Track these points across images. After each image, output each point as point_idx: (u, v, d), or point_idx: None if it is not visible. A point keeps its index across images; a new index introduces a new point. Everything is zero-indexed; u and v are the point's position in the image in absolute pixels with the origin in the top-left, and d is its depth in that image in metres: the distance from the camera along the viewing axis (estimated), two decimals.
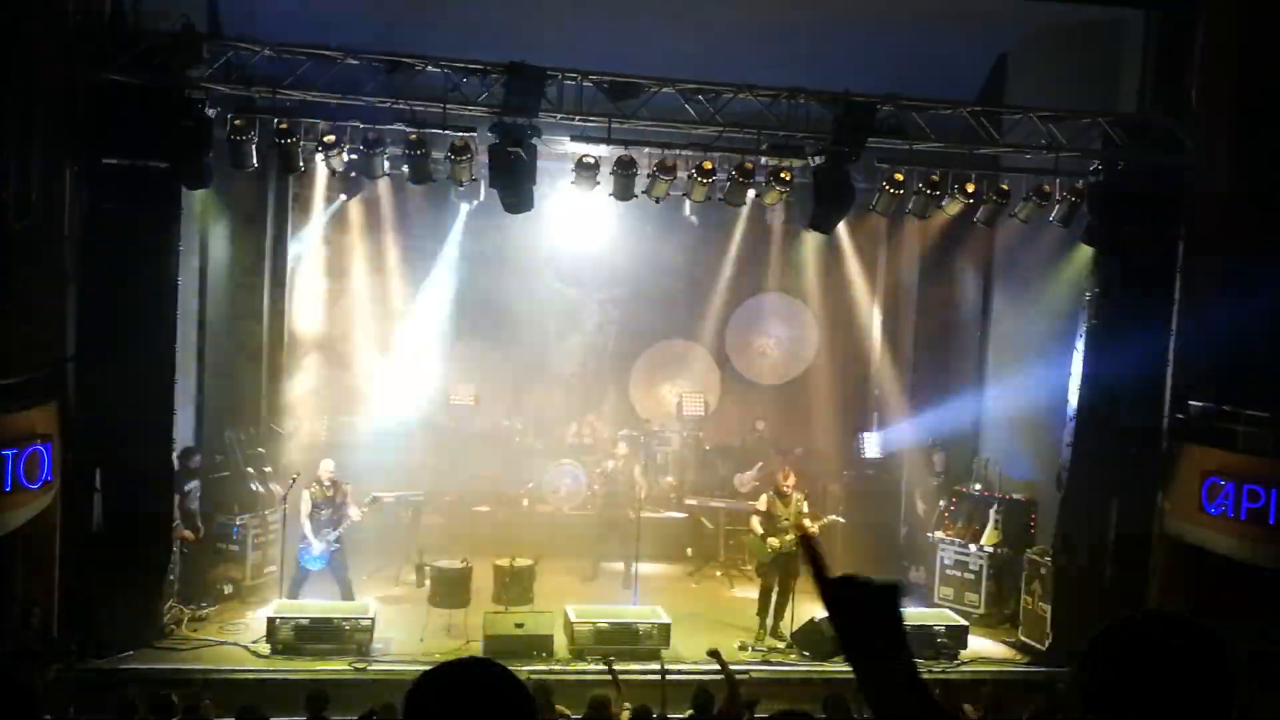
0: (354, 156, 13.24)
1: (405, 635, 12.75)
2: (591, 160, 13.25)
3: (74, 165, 11.76)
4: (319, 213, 16.53)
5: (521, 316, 17.73)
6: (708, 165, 13.33)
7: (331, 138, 12.82)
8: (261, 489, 14.57)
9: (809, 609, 13.49)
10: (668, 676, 10.41)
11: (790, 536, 13.31)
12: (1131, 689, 1.89)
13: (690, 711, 9.51)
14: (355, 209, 16.67)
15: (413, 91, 12.40)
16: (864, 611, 2.06)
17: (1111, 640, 1.96)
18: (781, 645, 13.20)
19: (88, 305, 11.99)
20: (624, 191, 13.48)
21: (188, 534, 13.41)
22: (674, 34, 13.77)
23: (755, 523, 13.62)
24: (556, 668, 12.01)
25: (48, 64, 11.52)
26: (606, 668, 10.63)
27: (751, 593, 14.06)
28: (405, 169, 13.37)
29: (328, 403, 16.84)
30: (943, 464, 16.34)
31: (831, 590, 2.07)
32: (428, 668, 2.19)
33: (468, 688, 2.14)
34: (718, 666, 9.85)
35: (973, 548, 14.79)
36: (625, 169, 13.17)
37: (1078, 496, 13.65)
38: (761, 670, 12.31)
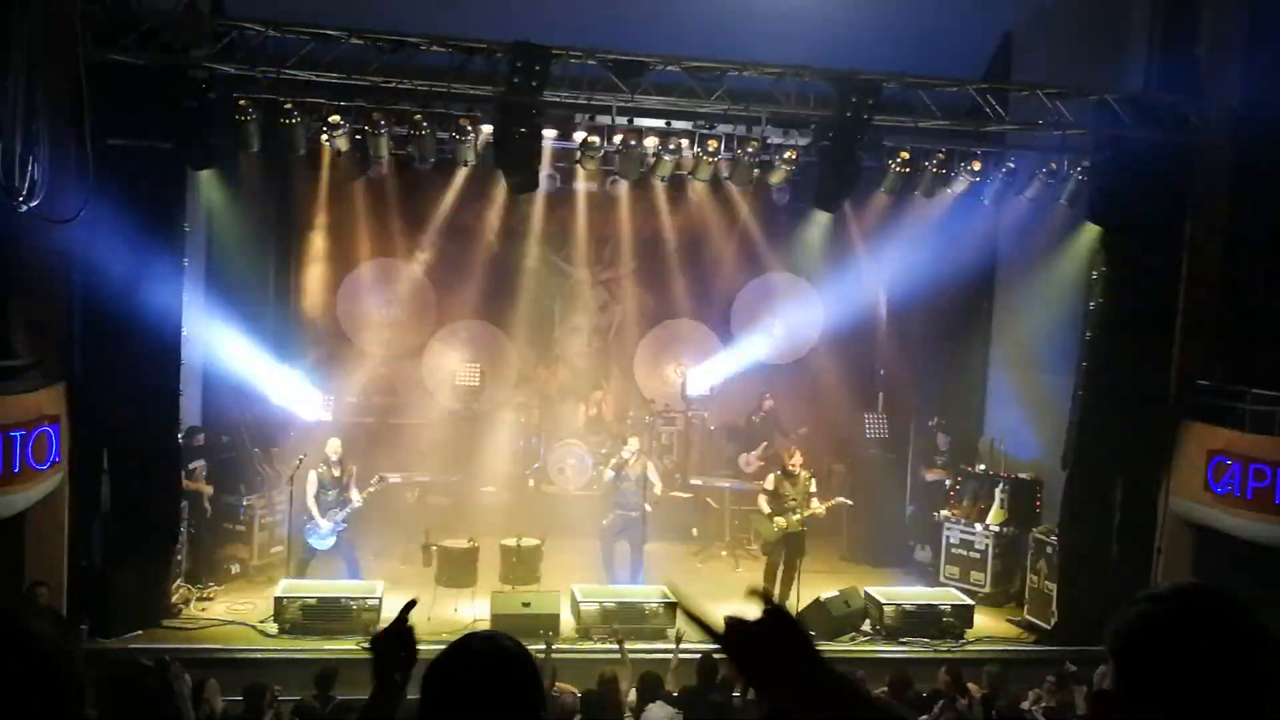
0: (358, 136, 13.22)
1: (412, 615, 12.75)
2: (596, 139, 13.22)
3: (78, 146, 11.73)
4: (323, 192, 16.51)
5: (526, 296, 17.73)
6: (713, 144, 13.30)
7: (336, 117, 12.82)
8: (268, 469, 14.61)
9: (814, 588, 13.53)
10: (680, 656, 10.44)
11: (797, 516, 13.33)
12: (1176, 668, 1.83)
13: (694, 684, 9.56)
14: (360, 189, 16.64)
15: (417, 71, 12.37)
16: (770, 648, 1.91)
17: (1154, 616, 1.90)
18: None
19: (93, 286, 11.98)
20: (629, 170, 13.46)
21: (205, 487, 13.52)
22: (679, 11, 13.72)
23: (762, 502, 13.64)
24: (564, 646, 12.06)
25: (52, 44, 11.48)
26: (616, 644, 10.67)
27: (757, 572, 14.08)
28: (410, 149, 13.34)
29: (333, 383, 16.84)
30: (947, 444, 16.34)
31: (728, 639, 1.93)
32: (436, 646, 2.21)
33: (478, 659, 2.16)
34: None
35: (978, 527, 14.80)
36: (630, 147, 13.13)
37: (1083, 475, 13.66)
38: None
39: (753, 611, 1.94)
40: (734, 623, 1.92)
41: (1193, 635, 1.84)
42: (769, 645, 1.88)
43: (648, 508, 13.95)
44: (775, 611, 1.92)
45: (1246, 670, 1.81)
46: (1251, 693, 1.80)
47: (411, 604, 2.48)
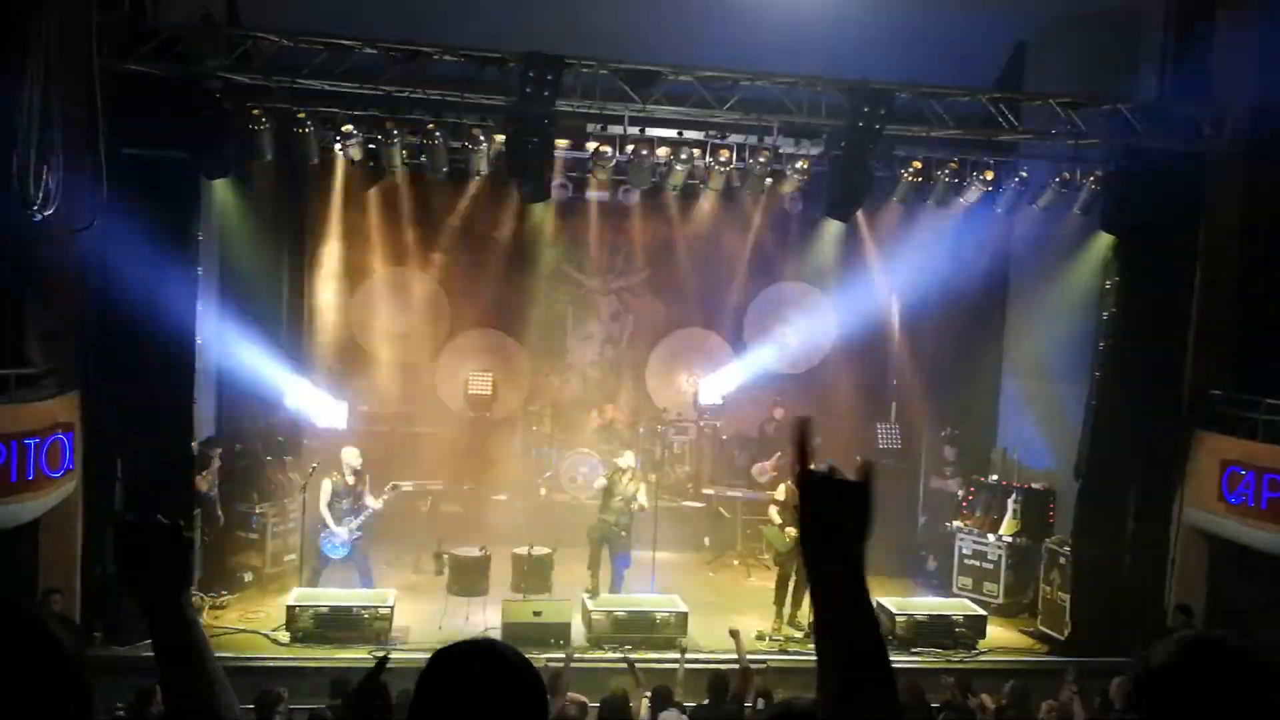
0: (372, 146, 13.27)
1: (424, 623, 12.80)
2: (608, 148, 13.24)
3: (94, 155, 11.81)
4: (337, 201, 16.57)
5: (538, 305, 17.76)
6: (725, 153, 13.31)
7: (349, 127, 12.87)
8: (281, 478, 14.64)
9: None
10: (685, 665, 10.42)
11: None
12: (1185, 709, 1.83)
13: (706, 700, 9.54)
14: (373, 198, 16.70)
15: (430, 80, 12.41)
16: (835, 503, 2.02)
17: (1176, 670, 1.89)
18: (799, 634, 13.19)
19: (108, 295, 12.03)
20: (641, 179, 13.48)
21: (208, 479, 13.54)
22: (691, 22, 13.73)
23: (773, 512, 13.61)
24: (574, 655, 12.04)
25: (68, 54, 11.56)
26: (625, 661, 10.65)
27: (769, 582, 14.05)
28: (423, 158, 13.38)
29: (347, 391, 16.88)
30: (954, 456, 16.29)
31: (810, 479, 2.04)
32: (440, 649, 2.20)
33: (478, 667, 2.15)
34: (734, 653, 9.90)
35: (991, 537, 14.75)
36: (642, 157, 13.15)
37: (1097, 485, 13.60)
38: (779, 659, 12.31)
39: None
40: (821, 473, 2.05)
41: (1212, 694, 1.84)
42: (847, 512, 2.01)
43: (633, 549, 13.82)
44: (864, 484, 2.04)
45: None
46: None
47: (384, 661, 2.43)
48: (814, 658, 1.89)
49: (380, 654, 2.28)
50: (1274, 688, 1.83)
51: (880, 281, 17.68)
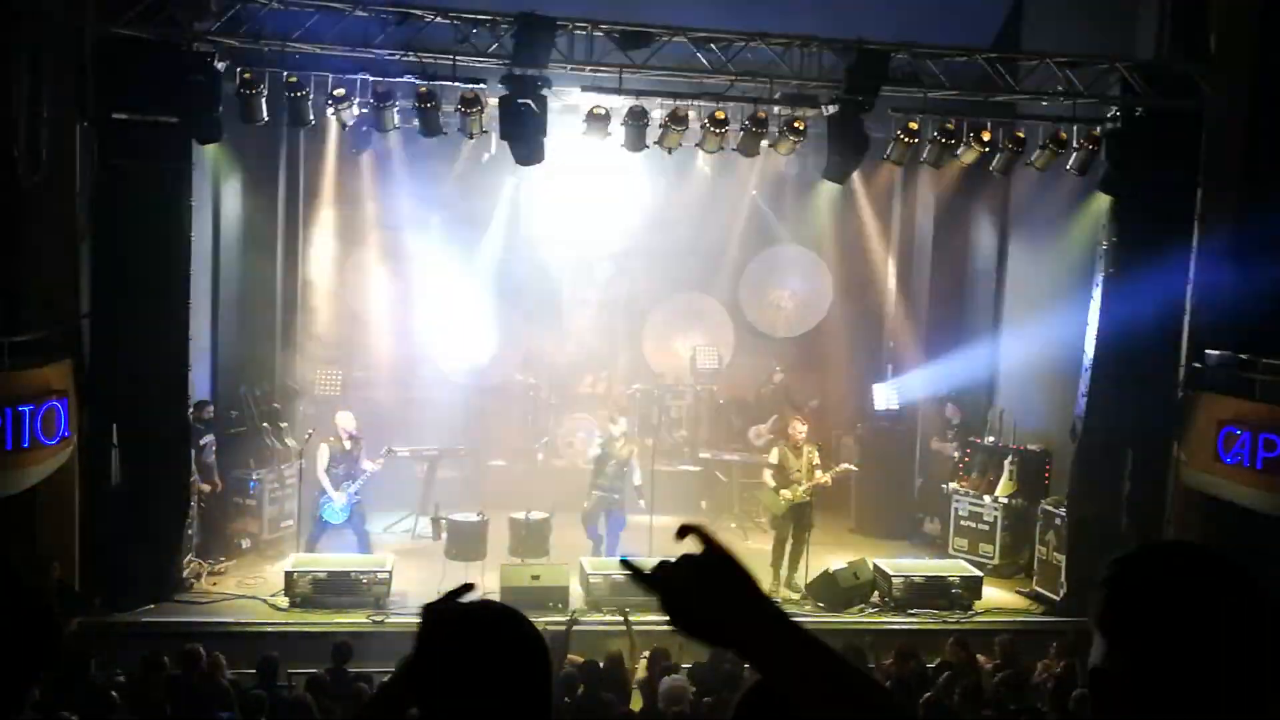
0: (364, 110, 13.18)
1: (422, 588, 12.80)
2: (603, 111, 13.14)
3: (84, 121, 11.72)
4: (330, 167, 16.47)
5: (534, 270, 17.67)
6: (720, 115, 13.22)
7: (341, 91, 12.77)
8: (277, 444, 14.63)
9: (823, 560, 13.54)
10: None
11: (802, 488, 13.32)
12: (1158, 624, 1.73)
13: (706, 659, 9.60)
14: (366, 163, 16.58)
15: (422, 43, 12.32)
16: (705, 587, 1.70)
17: (1136, 569, 1.79)
18: (796, 596, 13.24)
19: (101, 261, 11.99)
20: (636, 143, 13.39)
21: (204, 486, 13.48)
22: None
23: (768, 475, 13.62)
24: (576, 620, 12.09)
25: (56, 19, 11.46)
26: (623, 619, 10.70)
27: (766, 545, 14.08)
28: (415, 122, 13.29)
29: (341, 357, 16.85)
30: (957, 416, 16.28)
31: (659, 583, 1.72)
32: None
33: (482, 629, 2.13)
34: None
35: (987, 499, 14.78)
36: (637, 120, 13.07)
37: (1093, 447, 13.62)
38: None
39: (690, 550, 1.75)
40: (664, 566, 1.72)
41: (1174, 591, 1.75)
42: (703, 584, 1.70)
43: (641, 504, 13.83)
44: (709, 546, 1.73)
45: (1236, 622, 1.71)
46: (1245, 645, 1.71)
47: (469, 587, 2.35)
48: (810, 619, 1.85)
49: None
50: (1245, 586, 1.75)
51: (876, 243, 17.65)
